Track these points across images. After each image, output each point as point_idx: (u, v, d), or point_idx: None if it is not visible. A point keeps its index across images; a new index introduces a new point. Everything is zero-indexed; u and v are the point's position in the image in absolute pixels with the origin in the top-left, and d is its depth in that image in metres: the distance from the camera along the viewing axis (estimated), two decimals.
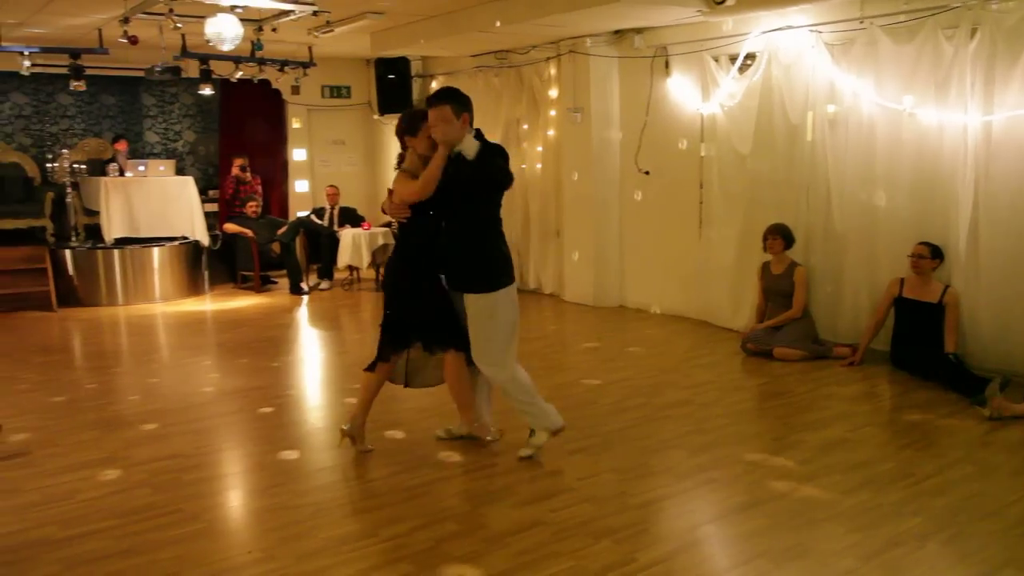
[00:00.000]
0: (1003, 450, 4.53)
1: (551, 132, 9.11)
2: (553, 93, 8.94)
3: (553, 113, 9.02)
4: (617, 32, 8.16)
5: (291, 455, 4.61)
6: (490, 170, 4.23)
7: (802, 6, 6.45)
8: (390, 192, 4.37)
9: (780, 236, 6.62)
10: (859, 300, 6.57)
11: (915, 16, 5.98)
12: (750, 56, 7.13)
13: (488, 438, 4.68)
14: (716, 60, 7.45)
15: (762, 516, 3.73)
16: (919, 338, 5.92)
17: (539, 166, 9.33)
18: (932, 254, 5.91)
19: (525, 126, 9.47)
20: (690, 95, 7.71)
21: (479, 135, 4.30)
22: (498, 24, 7.59)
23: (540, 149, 9.29)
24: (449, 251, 4.31)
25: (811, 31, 6.62)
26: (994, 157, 5.73)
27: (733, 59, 7.25)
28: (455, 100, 4.16)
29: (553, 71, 8.88)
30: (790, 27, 6.74)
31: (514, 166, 9.68)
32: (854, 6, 6.35)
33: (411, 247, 4.38)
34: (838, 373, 6.05)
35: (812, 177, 6.78)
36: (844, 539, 3.49)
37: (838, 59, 6.50)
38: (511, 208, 9.71)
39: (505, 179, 4.32)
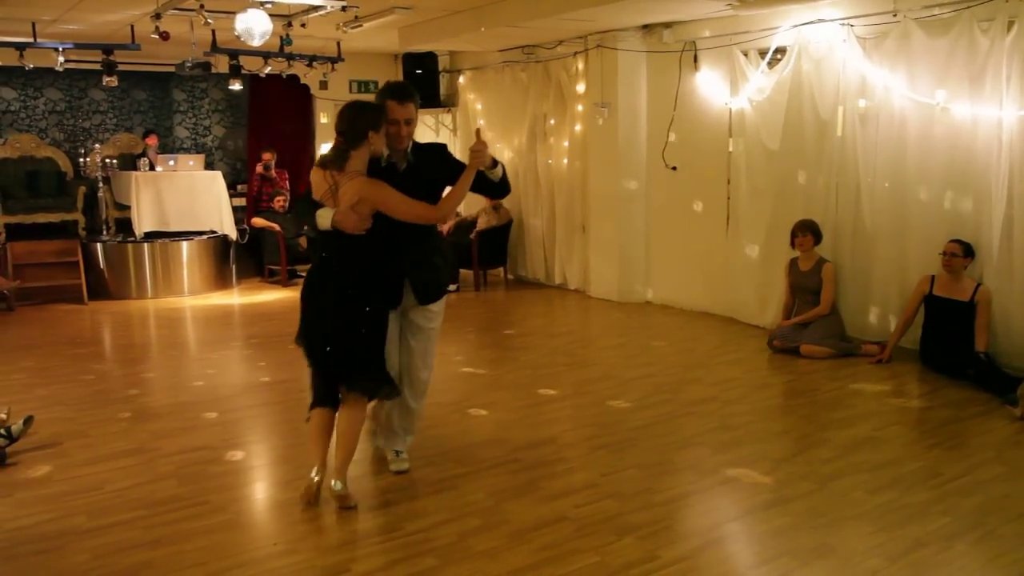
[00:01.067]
0: None
1: (578, 127, 9.07)
2: (580, 88, 8.90)
3: (580, 108, 8.99)
4: (646, 26, 8.11)
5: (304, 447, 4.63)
6: (439, 168, 3.97)
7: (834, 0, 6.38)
8: (330, 192, 3.66)
9: (810, 232, 6.55)
10: (888, 297, 6.49)
11: (950, 9, 5.88)
12: (780, 50, 7.05)
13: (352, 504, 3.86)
14: (745, 54, 7.37)
15: (787, 514, 3.70)
16: (949, 336, 5.84)
17: (565, 161, 9.31)
18: (964, 252, 5.82)
19: (552, 121, 9.45)
20: (719, 90, 7.64)
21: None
22: (483, 30, 7.63)
23: (566, 144, 9.26)
24: (414, 261, 3.93)
25: (842, 24, 6.53)
26: None
27: (763, 53, 7.18)
28: (417, 96, 3.90)
29: (580, 66, 8.84)
30: (821, 20, 6.65)
31: (540, 161, 9.85)
32: None
33: (360, 264, 3.72)
34: (866, 371, 5.98)
35: (842, 173, 6.69)
36: (870, 539, 3.45)
37: (870, 53, 6.41)
38: (538, 203, 9.72)
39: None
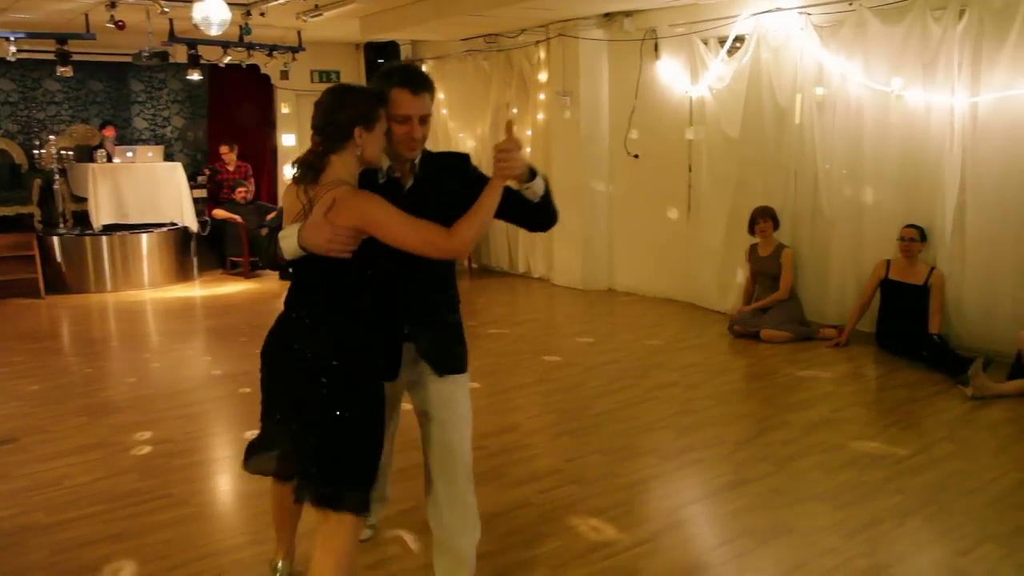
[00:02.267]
0: (984, 428, 4.58)
1: (540, 116, 9.09)
2: (543, 77, 8.92)
3: (542, 97, 9.00)
4: (607, 15, 8.14)
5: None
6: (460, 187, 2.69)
7: None
8: (303, 214, 2.45)
9: (770, 218, 6.64)
10: (845, 282, 6.61)
11: None
12: (739, 39, 7.12)
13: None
14: (705, 43, 7.44)
15: (747, 495, 3.78)
16: (905, 319, 5.96)
17: (528, 150, 9.32)
18: (920, 237, 5.94)
19: (515, 110, 9.45)
20: (679, 78, 7.70)
21: None
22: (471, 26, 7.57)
23: (529, 133, 9.27)
24: (421, 317, 2.76)
25: (800, 13, 6.62)
26: (981, 139, 5.76)
27: (722, 42, 7.24)
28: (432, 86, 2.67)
29: (543, 55, 8.85)
30: (779, 9, 6.73)
31: None
32: None
33: (340, 315, 2.51)
34: (824, 354, 6.09)
35: (800, 160, 6.79)
36: (828, 517, 3.53)
37: (827, 41, 6.50)
38: None
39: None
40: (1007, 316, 5.65)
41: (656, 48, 7.83)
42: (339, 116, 2.48)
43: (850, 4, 6.30)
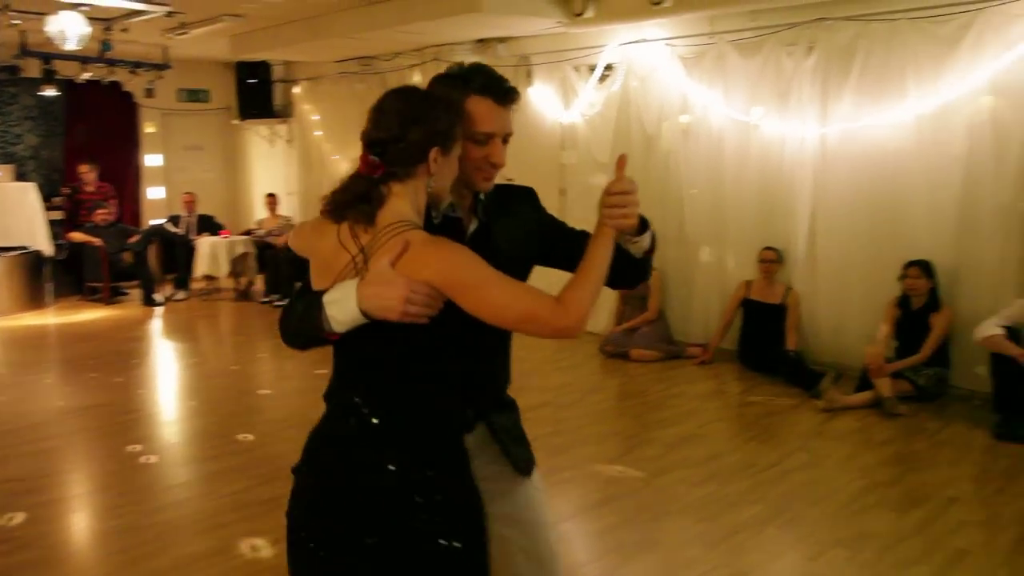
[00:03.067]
0: (834, 439, 4.85)
1: None
2: None
3: None
4: (480, 41, 8.25)
5: (141, 473, 4.42)
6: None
7: (657, 20, 6.72)
8: (353, 266, 1.74)
9: None
10: (710, 302, 6.89)
11: (760, 33, 6.34)
12: (609, 67, 7.36)
13: None
14: (576, 70, 7.65)
15: (614, 513, 3.86)
16: (764, 337, 6.27)
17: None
18: (778, 258, 6.28)
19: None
20: (552, 104, 7.88)
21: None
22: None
23: None
24: (495, 396, 2.13)
25: (665, 44, 6.91)
26: (829, 167, 6.14)
27: (593, 69, 7.47)
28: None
29: (418, 78, 8.87)
30: (645, 40, 7.01)
31: None
32: (704, 22, 6.68)
33: (431, 397, 1.82)
34: (690, 372, 6.32)
35: (666, 185, 7.05)
36: (691, 529, 3.66)
37: (690, 71, 6.80)
38: None
39: None
40: (855, 332, 6.01)
41: (529, 74, 8.00)
42: (412, 132, 1.75)
43: (711, 37, 6.63)
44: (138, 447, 4.77)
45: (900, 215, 5.81)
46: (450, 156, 1.81)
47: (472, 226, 1.98)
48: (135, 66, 8.79)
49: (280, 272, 9.30)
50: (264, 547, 3.50)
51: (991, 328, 4.93)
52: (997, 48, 5.21)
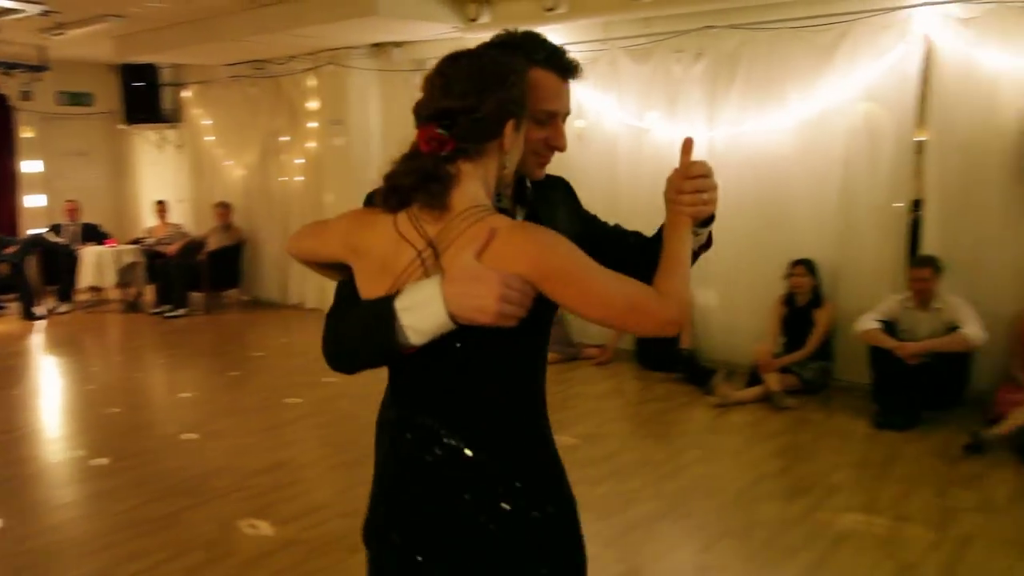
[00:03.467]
0: (727, 433, 5.01)
1: (311, 144, 8.95)
2: (313, 105, 8.80)
3: (314, 125, 8.87)
4: (376, 45, 8.19)
5: (20, 495, 4.19)
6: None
7: (551, 26, 6.80)
8: (419, 263, 1.47)
9: None
10: None
11: (651, 39, 6.50)
12: None
13: None
14: None
15: None
16: (659, 336, 6.40)
17: (300, 179, 9.15)
18: None
19: (285, 138, 9.25)
20: None
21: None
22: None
23: (300, 162, 9.10)
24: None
25: None
26: (717, 170, 6.18)
27: None
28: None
29: (312, 83, 8.74)
30: None
31: (273, 178, 9.60)
32: (598, 28, 6.80)
33: (523, 409, 1.61)
34: (589, 373, 6.42)
35: None
36: (589, 528, 3.63)
37: (584, 76, 6.88)
38: (271, 222, 9.44)
39: None
40: (745, 331, 6.22)
41: None
42: (488, 100, 1.47)
43: (604, 43, 6.76)
44: (20, 468, 4.53)
45: (784, 216, 6.05)
46: (521, 133, 1.55)
47: (520, 216, 1.71)
48: (9, 67, 8.36)
49: (172, 282, 9.00)
50: (151, 568, 3.37)
51: (868, 323, 5.20)
52: (870, 56, 5.49)
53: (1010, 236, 5.26)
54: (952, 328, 5.03)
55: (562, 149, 1.68)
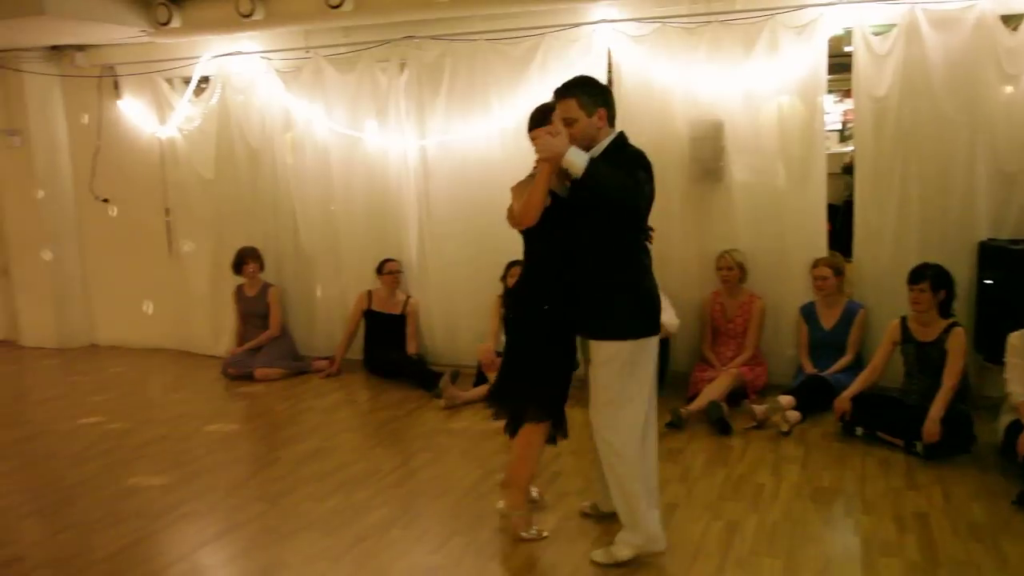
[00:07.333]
0: (455, 434, 5.13)
1: None
2: None
3: None
4: (55, 48, 7.43)
5: None
6: (605, 186, 3.13)
7: (249, 33, 6.57)
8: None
9: (256, 260, 6.70)
10: (332, 314, 6.91)
11: (354, 48, 6.47)
12: (205, 80, 7.04)
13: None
14: (170, 83, 7.22)
15: (240, 540, 3.72)
16: (387, 344, 6.44)
17: None
18: (400, 268, 6.48)
19: None
20: (146, 118, 7.34)
21: (620, 140, 3.34)
22: None
23: None
24: (576, 285, 3.39)
25: (262, 58, 6.78)
26: (431, 178, 6.45)
27: (188, 82, 7.09)
28: (585, 90, 3.31)
29: None
30: (240, 53, 6.81)
31: None
32: (299, 36, 6.65)
33: (531, 272, 3.58)
34: (318, 385, 6.30)
35: (276, 200, 6.93)
36: (317, 544, 3.63)
37: (290, 86, 6.74)
38: None
39: (628, 197, 3.18)
40: (467, 332, 6.41)
41: (117, 86, 7.37)
42: (529, 125, 3.64)
43: (307, 52, 6.64)
44: None
45: (495, 219, 6.24)
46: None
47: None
48: None
49: None
50: None
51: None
52: (561, 68, 5.85)
53: (692, 230, 5.86)
54: None
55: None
